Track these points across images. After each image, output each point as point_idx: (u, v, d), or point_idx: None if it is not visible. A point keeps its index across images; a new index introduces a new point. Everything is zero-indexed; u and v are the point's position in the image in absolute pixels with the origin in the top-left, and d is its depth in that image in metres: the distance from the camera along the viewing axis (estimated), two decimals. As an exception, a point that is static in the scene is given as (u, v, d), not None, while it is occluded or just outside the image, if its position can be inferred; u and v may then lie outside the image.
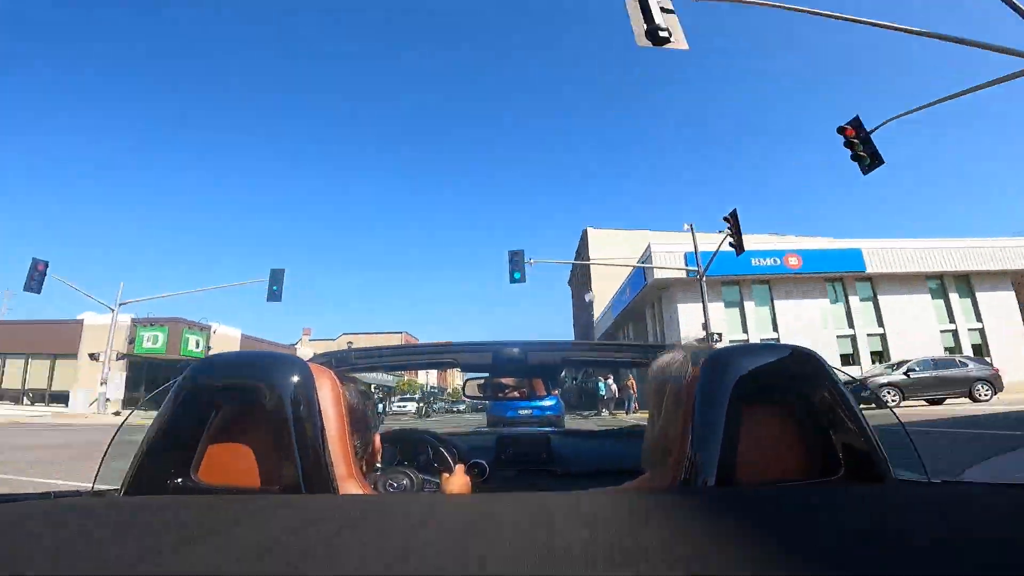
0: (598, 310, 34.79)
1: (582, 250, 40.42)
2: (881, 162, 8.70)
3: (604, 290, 32.82)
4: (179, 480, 0.62)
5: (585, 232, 39.88)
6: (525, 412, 10.10)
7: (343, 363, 1.63)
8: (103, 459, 0.85)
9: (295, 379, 0.64)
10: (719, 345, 0.77)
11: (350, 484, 0.65)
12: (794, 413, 0.66)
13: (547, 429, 2.03)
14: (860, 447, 0.64)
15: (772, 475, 0.63)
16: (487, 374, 1.82)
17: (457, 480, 1.08)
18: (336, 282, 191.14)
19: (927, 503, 0.51)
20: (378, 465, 1.03)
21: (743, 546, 0.36)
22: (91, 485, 0.83)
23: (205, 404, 0.64)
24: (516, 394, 1.98)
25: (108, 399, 20.18)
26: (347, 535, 0.40)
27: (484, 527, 0.42)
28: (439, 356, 1.82)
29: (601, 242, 36.84)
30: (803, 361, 0.66)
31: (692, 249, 18.45)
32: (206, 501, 0.55)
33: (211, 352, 21.66)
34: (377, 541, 0.38)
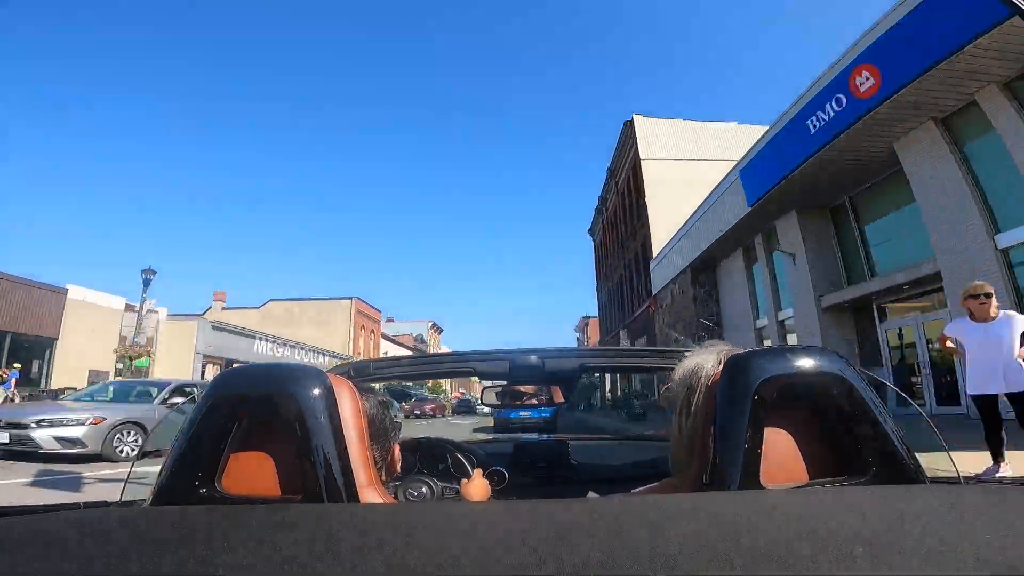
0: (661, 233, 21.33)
1: (624, 152, 26.50)
2: None
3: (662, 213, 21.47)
4: (204, 491, 0.63)
5: (630, 124, 25.27)
6: (525, 415, 11.26)
7: (362, 373, 1.65)
8: (131, 470, 0.87)
9: (315, 389, 0.65)
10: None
11: (370, 493, 0.65)
12: (819, 416, 0.64)
13: (567, 436, 2.03)
14: (888, 450, 0.62)
15: (797, 478, 0.62)
16: (504, 382, 1.82)
17: (476, 487, 1.08)
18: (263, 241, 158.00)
19: (959, 505, 0.49)
20: (398, 473, 1.04)
21: (769, 549, 0.36)
22: (119, 497, 0.85)
23: (228, 415, 0.65)
24: (535, 401, 1.98)
25: None
26: (369, 544, 0.40)
27: (505, 534, 0.42)
28: (457, 365, 1.83)
29: (657, 135, 24.14)
30: (828, 364, 0.65)
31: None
32: (231, 511, 0.56)
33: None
34: (399, 550, 0.38)
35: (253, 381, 0.69)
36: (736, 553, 0.35)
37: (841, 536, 0.39)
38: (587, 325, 59.97)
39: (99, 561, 0.38)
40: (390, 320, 60.59)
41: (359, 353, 40.43)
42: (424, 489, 1.15)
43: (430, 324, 69.60)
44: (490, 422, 14.88)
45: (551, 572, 0.33)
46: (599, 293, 38.01)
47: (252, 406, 0.66)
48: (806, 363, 0.64)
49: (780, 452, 0.62)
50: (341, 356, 34.38)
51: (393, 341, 52.71)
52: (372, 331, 46.44)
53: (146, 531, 0.47)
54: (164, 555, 0.38)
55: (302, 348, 32.35)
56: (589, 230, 40.00)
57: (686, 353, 0.82)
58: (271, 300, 43.07)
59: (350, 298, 42.59)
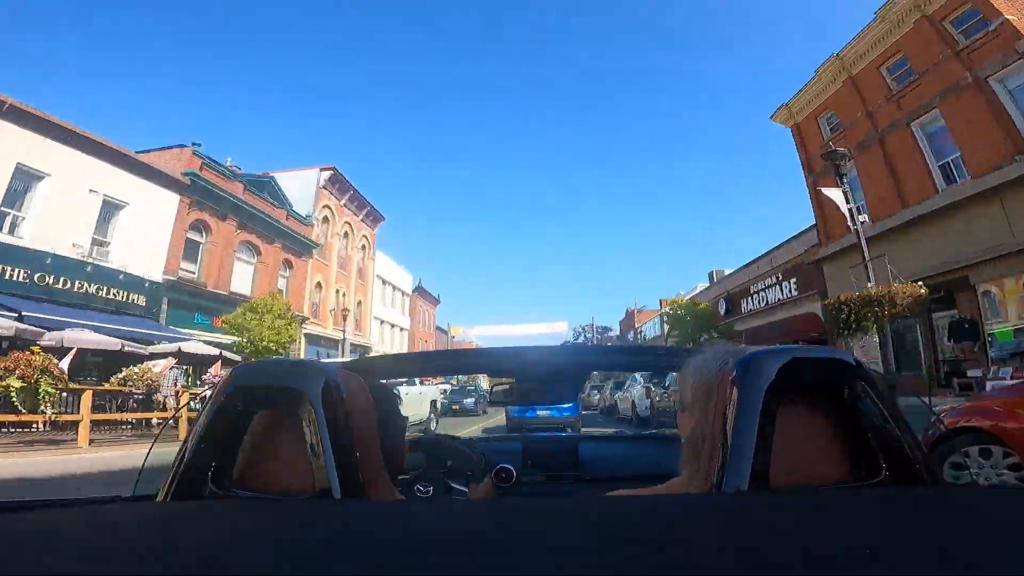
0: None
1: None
2: None
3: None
4: (215, 486, 0.64)
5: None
6: (544, 414, 10.45)
7: (371, 370, 1.65)
8: (143, 465, 0.88)
9: (324, 385, 0.65)
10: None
11: (379, 490, 0.66)
12: (831, 417, 0.64)
13: (575, 434, 2.03)
14: (901, 451, 0.62)
15: (808, 479, 0.61)
16: (513, 379, 1.82)
17: (484, 485, 1.08)
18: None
19: (972, 509, 0.49)
20: (406, 470, 1.04)
21: (777, 550, 0.36)
22: (132, 492, 0.86)
23: (240, 411, 0.66)
24: (542, 398, 1.98)
25: None
26: (378, 541, 0.40)
27: (513, 532, 0.42)
28: (466, 362, 1.83)
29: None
30: (841, 364, 0.64)
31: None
32: (241, 507, 0.56)
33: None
34: (404, 547, 0.38)
35: (266, 376, 0.70)
36: (744, 554, 0.35)
37: (851, 538, 0.39)
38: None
39: (112, 558, 0.38)
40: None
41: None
42: (432, 487, 1.16)
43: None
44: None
45: (557, 570, 0.33)
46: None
47: (264, 401, 0.67)
48: (819, 362, 0.63)
49: (791, 453, 0.62)
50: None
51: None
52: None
53: (159, 527, 0.48)
54: (177, 551, 0.39)
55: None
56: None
57: (696, 352, 0.82)
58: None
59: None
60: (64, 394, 9.23)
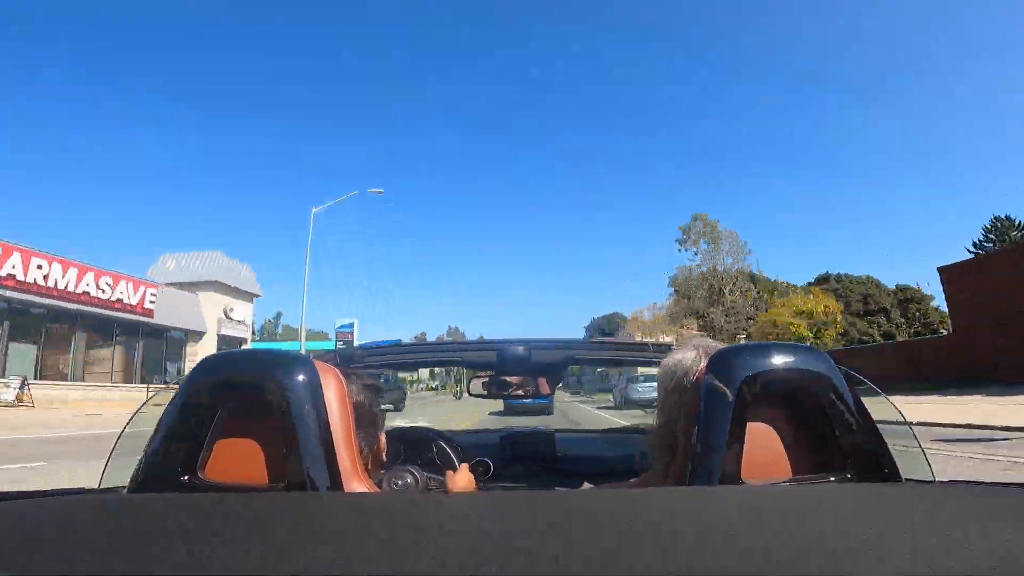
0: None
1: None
2: None
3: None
4: (186, 478, 0.62)
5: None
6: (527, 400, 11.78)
7: (349, 361, 1.64)
8: (110, 456, 0.86)
9: (300, 377, 0.64)
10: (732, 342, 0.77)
11: (355, 482, 0.65)
12: (801, 413, 0.65)
13: (552, 428, 2.05)
14: (867, 448, 0.63)
15: (778, 474, 0.63)
16: (492, 372, 1.83)
17: (461, 478, 1.08)
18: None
19: (935, 503, 0.50)
20: (384, 463, 1.04)
21: (744, 544, 0.36)
22: (98, 483, 0.83)
23: (211, 402, 0.64)
24: (521, 392, 1.99)
25: None
26: (352, 533, 0.40)
27: (489, 525, 0.42)
28: (445, 355, 1.83)
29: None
30: (812, 361, 0.66)
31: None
32: (212, 499, 0.55)
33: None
34: (382, 540, 0.38)
35: (237, 366, 0.68)
36: (714, 547, 0.36)
37: (818, 532, 0.40)
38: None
39: (80, 551, 0.37)
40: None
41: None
42: (409, 479, 1.15)
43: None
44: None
45: (530, 562, 0.34)
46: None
47: (235, 392, 0.65)
48: (789, 360, 0.65)
49: (762, 448, 0.63)
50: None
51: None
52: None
53: (127, 519, 0.47)
54: (146, 544, 0.38)
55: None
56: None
57: (670, 348, 0.83)
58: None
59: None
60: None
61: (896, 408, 0.89)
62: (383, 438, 0.89)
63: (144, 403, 0.95)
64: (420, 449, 1.58)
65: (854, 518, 0.44)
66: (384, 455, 0.92)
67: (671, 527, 0.41)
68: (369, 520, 0.44)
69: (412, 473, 1.17)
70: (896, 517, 0.44)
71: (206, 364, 0.68)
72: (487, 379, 1.91)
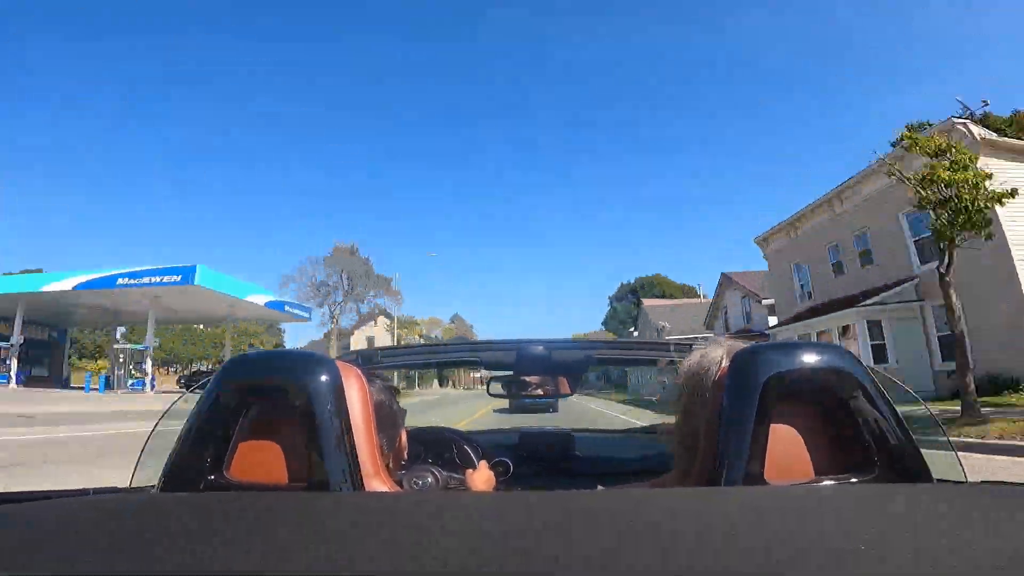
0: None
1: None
2: None
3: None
4: (212, 477, 0.64)
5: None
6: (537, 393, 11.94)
7: (369, 361, 1.66)
8: (140, 456, 0.88)
9: (323, 377, 0.65)
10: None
11: (376, 481, 0.66)
12: (826, 413, 0.64)
13: (570, 428, 2.04)
14: (895, 447, 0.62)
15: (802, 474, 0.62)
16: (511, 372, 1.83)
17: (481, 477, 1.09)
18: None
19: (966, 503, 0.49)
20: (405, 462, 1.05)
21: (745, 544, 0.36)
22: (128, 482, 0.86)
23: (237, 402, 0.66)
24: (540, 392, 1.99)
25: None
26: (353, 533, 0.40)
27: (491, 525, 0.42)
28: (463, 355, 1.83)
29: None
30: (837, 360, 0.64)
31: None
32: (238, 498, 0.56)
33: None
34: (403, 538, 0.38)
35: (262, 368, 0.69)
36: (737, 548, 0.35)
37: (844, 533, 0.39)
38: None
39: (108, 547, 0.38)
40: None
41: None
42: (430, 478, 1.16)
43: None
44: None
45: (549, 562, 0.34)
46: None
47: (261, 393, 0.67)
48: (814, 359, 0.63)
49: (786, 448, 0.62)
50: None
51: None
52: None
53: (156, 518, 0.48)
54: (175, 541, 0.39)
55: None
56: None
57: (693, 347, 0.82)
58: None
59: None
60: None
61: (927, 408, 0.87)
62: (404, 436, 0.90)
63: (173, 403, 0.97)
64: (440, 449, 1.59)
65: (857, 518, 0.43)
66: (405, 454, 0.93)
67: (671, 527, 0.41)
68: (371, 520, 0.44)
69: (432, 472, 1.18)
70: (903, 517, 0.43)
71: (233, 364, 0.70)
72: (506, 380, 1.91)
